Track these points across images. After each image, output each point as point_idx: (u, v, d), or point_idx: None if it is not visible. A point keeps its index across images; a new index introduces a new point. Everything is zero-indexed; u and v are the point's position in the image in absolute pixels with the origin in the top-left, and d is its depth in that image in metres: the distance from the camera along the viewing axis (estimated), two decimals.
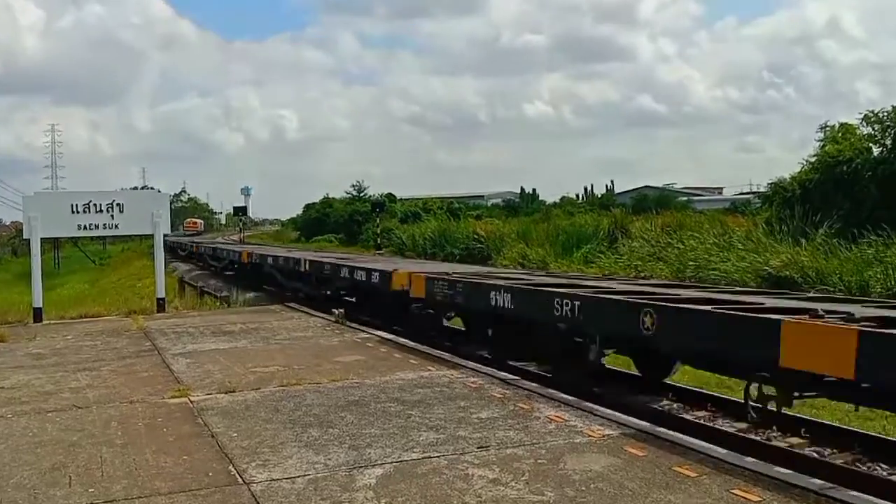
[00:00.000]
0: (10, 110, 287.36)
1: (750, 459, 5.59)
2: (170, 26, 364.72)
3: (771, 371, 6.59)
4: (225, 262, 33.76)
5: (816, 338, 5.90)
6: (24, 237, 16.97)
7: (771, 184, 29.09)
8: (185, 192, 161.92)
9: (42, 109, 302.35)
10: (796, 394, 6.83)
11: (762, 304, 7.69)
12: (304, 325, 13.54)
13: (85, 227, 16.31)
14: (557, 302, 8.82)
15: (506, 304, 10.01)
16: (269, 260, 24.19)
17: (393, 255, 38.59)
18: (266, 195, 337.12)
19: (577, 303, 8.56)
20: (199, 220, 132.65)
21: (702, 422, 8.34)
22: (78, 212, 15.99)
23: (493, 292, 10.28)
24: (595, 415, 6.80)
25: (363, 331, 12.55)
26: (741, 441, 7.34)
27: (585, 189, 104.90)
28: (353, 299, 17.13)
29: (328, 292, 18.29)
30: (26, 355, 11.02)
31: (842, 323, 6.03)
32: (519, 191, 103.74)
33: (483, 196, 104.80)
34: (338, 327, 12.98)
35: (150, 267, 32.27)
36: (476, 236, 37.77)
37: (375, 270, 14.85)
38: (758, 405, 7.09)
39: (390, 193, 79.34)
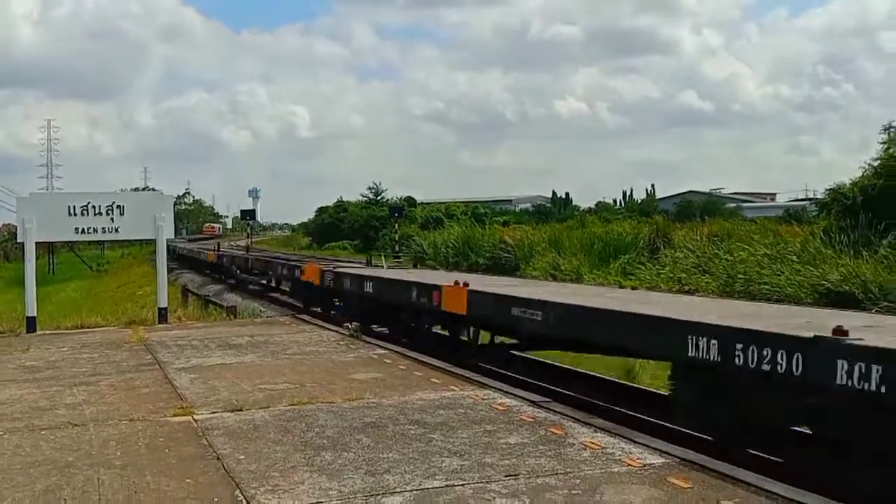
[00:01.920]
0: (2, 105, 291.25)
1: (814, 496, 5.50)
2: (173, 16, 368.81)
3: None
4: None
5: None
6: (18, 241, 17.04)
7: (829, 190, 28.93)
8: (189, 193, 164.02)
9: (37, 104, 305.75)
10: None
11: None
12: (317, 338, 13.57)
13: (83, 231, 16.40)
14: None
15: None
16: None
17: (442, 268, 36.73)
18: (275, 197, 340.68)
19: None
20: (216, 225, 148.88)
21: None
22: (75, 214, 16.06)
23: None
24: (635, 442, 6.76)
25: (380, 346, 12.55)
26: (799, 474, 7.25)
27: (624, 194, 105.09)
28: None
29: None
30: (19, 368, 11.11)
31: None
32: (550, 195, 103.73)
33: (511, 200, 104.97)
34: (352, 342, 12.99)
35: (151, 274, 32.47)
36: (503, 244, 37.77)
37: None
38: None
39: (410, 197, 79.74)
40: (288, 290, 25.33)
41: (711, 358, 6.95)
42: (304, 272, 19.71)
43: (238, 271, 32.99)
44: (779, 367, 6.28)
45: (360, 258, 41.00)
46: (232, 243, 79.33)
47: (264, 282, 29.65)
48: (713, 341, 6.96)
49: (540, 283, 18.40)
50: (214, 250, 43.55)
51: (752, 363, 6.54)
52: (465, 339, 12.79)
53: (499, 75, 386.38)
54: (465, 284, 11.92)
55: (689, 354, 7.20)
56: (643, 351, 9.22)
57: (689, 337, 7.20)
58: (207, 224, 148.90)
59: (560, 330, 9.67)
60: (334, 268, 18.38)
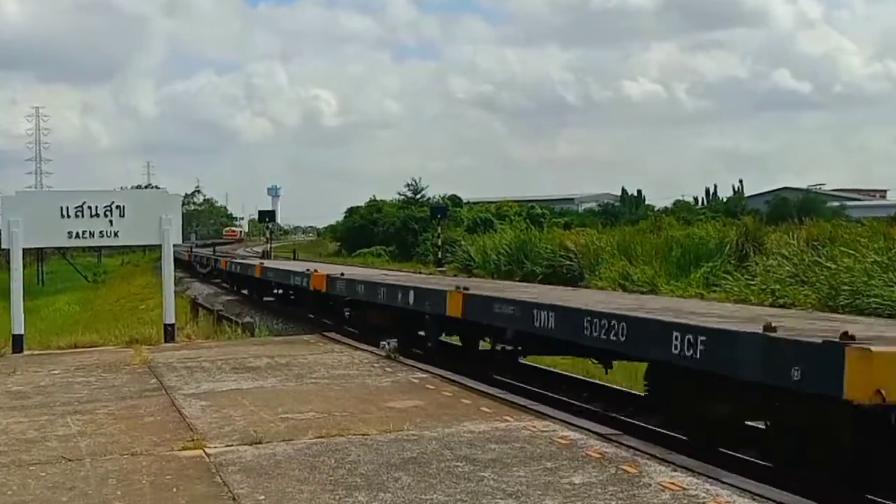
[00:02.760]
0: None
1: None
2: None
3: None
4: None
5: None
6: (3, 247, 17.14)
7: None
8: (199, 191, 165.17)
9: (24, 88, 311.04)
10: None
11: None
12: (347, 360, 13.60)
13: (77, 236, 16.49)
14: None
15: None
16: None
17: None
18: (297, 196, 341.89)
19: None
20: (237, 229, 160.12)
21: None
22: (69, 216, 16.15)
23: None
24: (723, 482, 6.68)
25: (421, 369, 12.55)
26: None
27: (706, 191, 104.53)
28: None
29: None
30: (4, 394, 11.25)
31: None
32: (619, 193, 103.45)
33: (573, 199, 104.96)
34: (388, 364, 13.01)
35: (155, 285, 32.81)
36: (564, 250, 37.57)
37: None
38: None
39: (454, 195, 79.78)
40: (217, 274, 49.59)
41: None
42: (221, 263, 46.75)
43: (198, 266, 59.63)
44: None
45: (395, 266, 42.21)
46: (247, 249, 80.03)
47: (208, 271, 54.62)
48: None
49: (282, 262, 40.65)
50: (188, 252, 69.61)
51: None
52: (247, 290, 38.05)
53: (557, 52, 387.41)
54: (230, 259, 47.68)
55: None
56: (249, 284, 36.73)
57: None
58: (228, 228, 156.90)
59: (234, 271, 39.56)
60: (232, 259, 44.05)
